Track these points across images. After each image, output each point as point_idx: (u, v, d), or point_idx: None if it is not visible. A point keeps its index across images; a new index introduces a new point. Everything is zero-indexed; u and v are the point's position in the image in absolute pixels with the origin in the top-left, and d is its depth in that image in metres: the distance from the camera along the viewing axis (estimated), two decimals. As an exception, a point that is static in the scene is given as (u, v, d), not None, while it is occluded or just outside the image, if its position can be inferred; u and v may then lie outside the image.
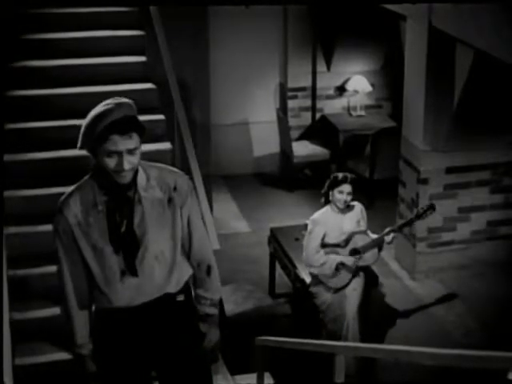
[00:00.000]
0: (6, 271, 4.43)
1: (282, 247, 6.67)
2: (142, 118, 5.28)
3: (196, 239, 3.27)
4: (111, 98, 3.06)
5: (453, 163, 7.05)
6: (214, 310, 3.40)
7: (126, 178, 3.00)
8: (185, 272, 3.29)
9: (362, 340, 5.46)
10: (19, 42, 6.01)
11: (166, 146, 5.61)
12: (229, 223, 8.26)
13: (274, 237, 6.85)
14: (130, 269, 3.11)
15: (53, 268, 4.89)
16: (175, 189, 3.16)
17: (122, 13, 6.35)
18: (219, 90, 9.13)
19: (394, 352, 2.84)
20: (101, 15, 6.26)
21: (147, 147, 4.90)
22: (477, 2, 5.29)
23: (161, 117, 5.77)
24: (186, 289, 3.32)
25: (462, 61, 6.44)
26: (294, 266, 6.33)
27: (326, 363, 3.72)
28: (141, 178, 3.09)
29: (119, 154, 2.92)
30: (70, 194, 3.11)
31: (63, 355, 4.53)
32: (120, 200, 3.07)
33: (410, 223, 5.71)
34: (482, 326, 6.55)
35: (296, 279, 6.29)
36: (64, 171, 5.32)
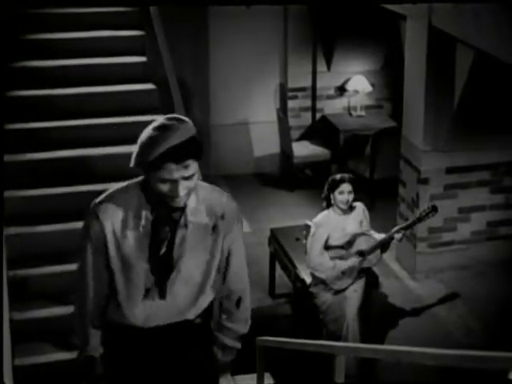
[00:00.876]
0: (6, 271, 4.43)
1: (282, 247, 6.67)
2: (141, 118, 5.34)
3: (233, 269, 3.08)
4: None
5: (453, 163, 7.04)
6: (236, 344, 3.21)
7: (180, 202, 2.79)
8: (208, 300, 3.08)
9: (363, 340, 5.45)
10: (19, 42, 6.01)
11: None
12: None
13: (275, 237, 6.84)
14: (161, 290, 2.93)
15: (52, 268, 4.92)
16: (222, 217, 2.96)
17: (122, 13, 6.35)
18: (219, 90, 9.13)
19: (394, 352, 2.83)
20: (101, 15, 6.25)
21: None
22: (477, 2, 5.29)
23: (161, 117, 5.77)
24: (203, 312, 3.10)
25: (462, 61, 6.44)
26: (295, 267, 6.32)
27: (326, 363, 3.72)
28: (191, 201, 2.87)
29: (174, 181, 2.70)
30: (110, 198, 2.88)
31: (63, 355, 4.54)
32: (165, 219, 2.87)
33: (411, 225, 5.69)
34: (483, 326, 6.55)
35: (296, 279, 6.29)
36: (64, 171, 5.33)
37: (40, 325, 4.69)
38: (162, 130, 2.69)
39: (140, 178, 2.89)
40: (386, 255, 6.96)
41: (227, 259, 3.05)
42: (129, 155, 2.77)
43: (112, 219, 2.84)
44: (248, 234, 8.10)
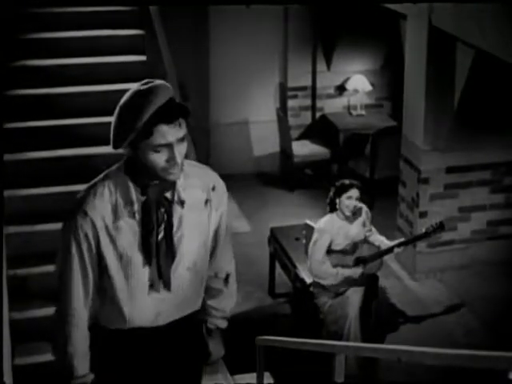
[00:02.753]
0: (6, 271, 4.42)
1: (282, 247, 6.66)
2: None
3: (221, 244, 2.90)
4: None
5: (453, 163, 7.04)
6: (224, 324, 3.04)
7: (177, 174, 2.54)
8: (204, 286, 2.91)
9: (363, 340, 5.45)
10: (19, 42, 6.01)
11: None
12: (229, 223, 8.24)
13: (274, 237, 6.84)
14: (165, 282, 2.68)
15: (52, 267, 4.91)
16: (214, 189, 2.76)
17: (122, 12, 6.35)
18: (219, 89, 9.13)
19: (394, 352, 2.83)
20: (101, 14, 6.26)
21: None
22: (477, 2, 5.29)
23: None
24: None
25: (463, 60, 6.44)
26: (294, 266, 6.32)
27: (326, 363, 3.71)
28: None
29: (169, 146, 2.47)
30: (94, 192, 2.61)
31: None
32: (159, 200, 2.61)
33: (415, 240, 5.72)
34: (483, 325, 6.55)
35: (296, 279, 6.28)
36: (64, 171, 5.33)
37: (40, 325, 4.68)
38: (142, 94, 2.48)
39: (119, 163, 2.66)
40: (385, 255, 6.96)
41: (216, 234, 2.87)
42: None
43: (102, 213, 2.58)
44: (248, 234, 8.10)
